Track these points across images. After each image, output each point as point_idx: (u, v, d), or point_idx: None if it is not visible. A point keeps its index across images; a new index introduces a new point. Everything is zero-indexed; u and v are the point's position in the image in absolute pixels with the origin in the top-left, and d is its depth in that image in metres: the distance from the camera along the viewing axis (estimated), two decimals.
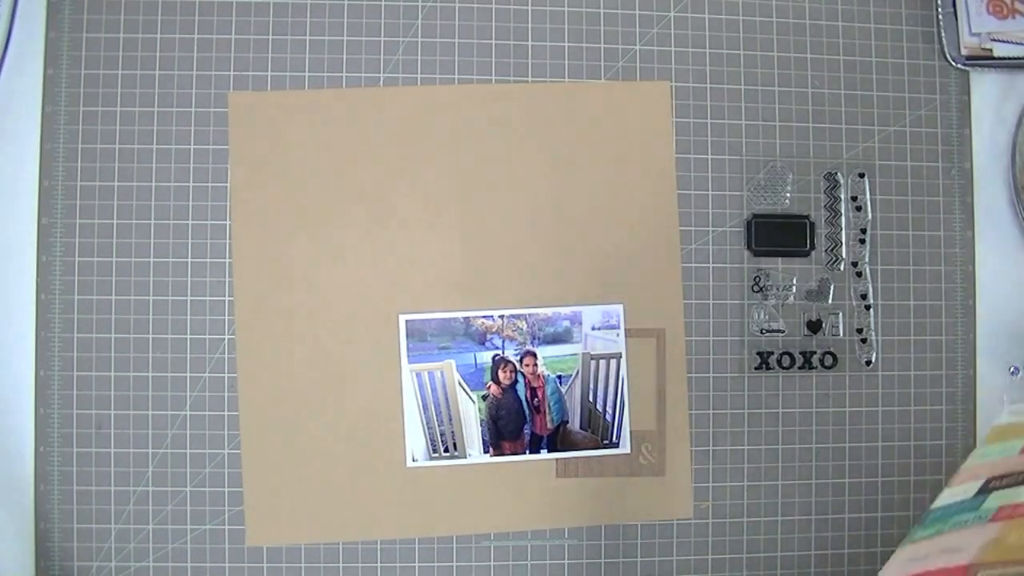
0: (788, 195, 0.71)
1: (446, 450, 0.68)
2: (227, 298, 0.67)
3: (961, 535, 0.47)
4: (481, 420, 0.68)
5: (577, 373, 0.69)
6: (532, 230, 0.69)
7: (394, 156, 0.69)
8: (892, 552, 0.71)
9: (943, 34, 0.72)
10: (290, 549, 0.67)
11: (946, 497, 0.52)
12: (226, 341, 0.68)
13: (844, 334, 0.71)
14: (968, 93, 0.73)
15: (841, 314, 0.71)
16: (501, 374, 0.68)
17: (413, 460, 0.68)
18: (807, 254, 0.71)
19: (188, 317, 0.68)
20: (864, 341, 0.71)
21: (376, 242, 0.68)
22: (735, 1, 0.71)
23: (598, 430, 0.69)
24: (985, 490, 0.50)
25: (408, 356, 0.68)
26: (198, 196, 0.68)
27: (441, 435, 0.68)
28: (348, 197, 0.68)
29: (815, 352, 0.71)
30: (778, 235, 0.70)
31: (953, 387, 0.72)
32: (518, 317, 0.68)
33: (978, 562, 0.44)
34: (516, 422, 0.68)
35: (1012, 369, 0.72)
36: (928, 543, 0.50)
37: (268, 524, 0.67)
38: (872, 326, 0.71)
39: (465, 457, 0.68)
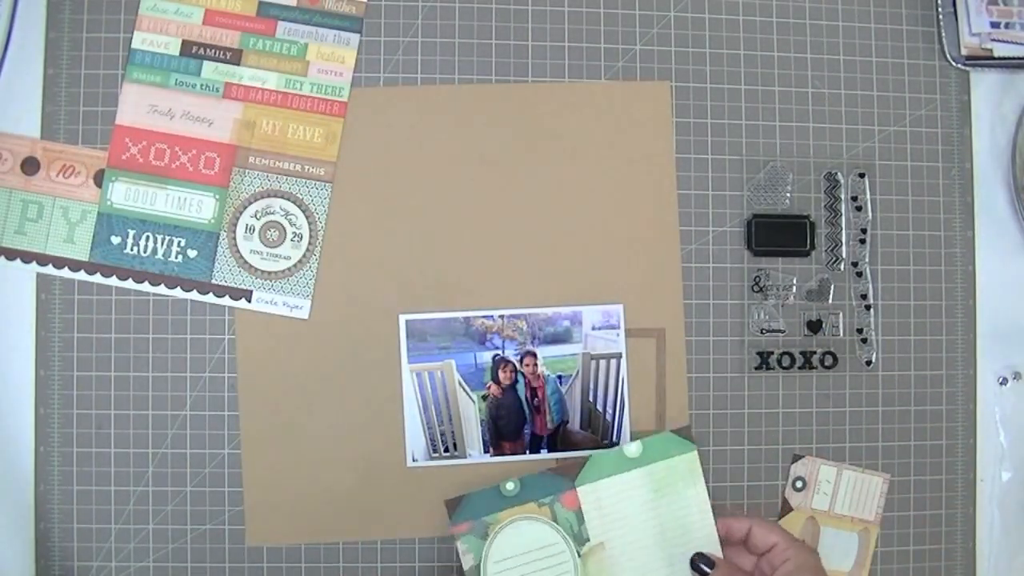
0: (788, 195, 0.71)
1: (446, 450, 0.68)
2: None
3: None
4: (481, 420, 0.68)
5: (577, 373, 0.69)
6: (532, 230, 0.69)
7: (394, 156, 0.69)
8: (892, 551, 0.71)
9: (943, 34, 0.72)
10: (290, 549, 0.67)
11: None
12: (226, 341, 0.68)
13: (844, 334, 0.71)
14: (968, 93, 0.73)
15: (841, 314, 0.71)
16: (501, 374, 0.68)
17: (413, 460, 0.68)
18: (807, 254, 0.71)
19: (188, 317, 0.67)
20: (864, 341, 0.71)
21: (376, 242, 0.68)
22: (735, 1, 0.71)
23: (598, 430, 0.69)
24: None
25: (408, 356, 0.68)
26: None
27: (441, 435, 0.68)
28: (348, 197, 0.68)
29: (815, 352, 0.71)
30: (778, 235, 0.70)
31: (953, 387, 0.72)
32: (518, 317, 0.68)
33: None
34: (516, 422, 0.68)
35: (1000, 379, 0.72)
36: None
37: (268, 524, 0.67)
38: (872, 326, 0.71)
39: (465, 457, 0.68)
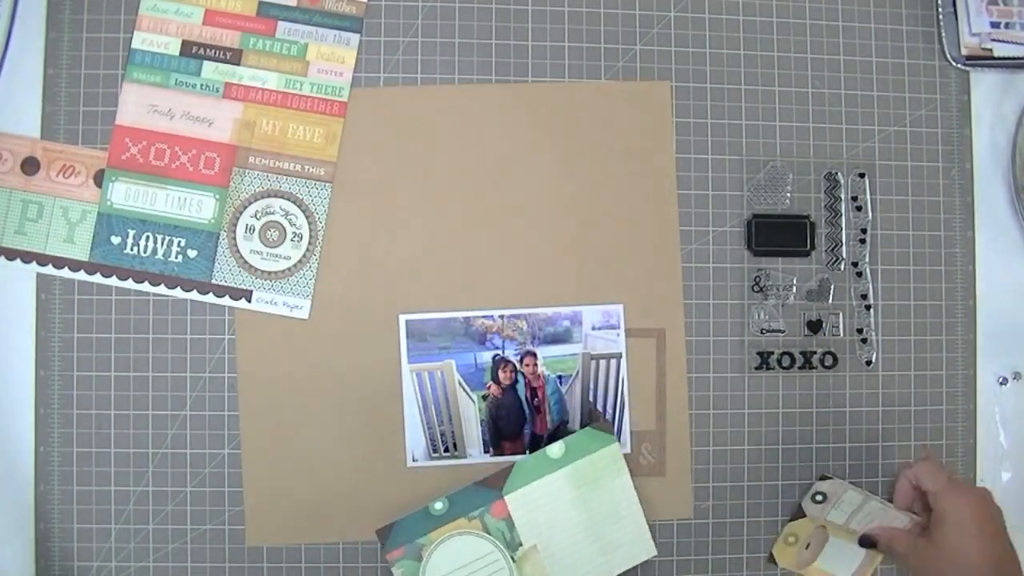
0: (788, 195, 0.71)
1: (446, 450, 0.68)
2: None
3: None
4: (481, 420, 0.68)
5: (577, 373, 0.68)
6: (532, 230, 0.69)
7: (394, 156, 0.69)
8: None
9: (943, 34, 0.72)
10: (290, 549, 0.67)
11: None
12: (226, 341, 0.68)
13: (844, 334, 0.71)
14: (968, 93, 0.73)
15: (841, 314, 0.71)
16: (501, 374, 0.68)
17: (413, 460, 0.68)
18: (807, 254, 0.71)
19: (188, 317, 0.67)
20: (864, 341, 0.71)
21: (376, 242, 0.68)
22: (735, 1, 0.71)
23: None
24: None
25: (408, 356, 0.68)
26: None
27: (441, 435, 0.68)
28: (348, 197, 0.68)
29: (815, 352, 0.71)
30: (778, 235, 0.70)
31: (953, 387, 0.72)
32: (518, 317, 0.68)
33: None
34: (516, 422, 0.68)
35: (1000, 379, 0.72)
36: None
37: (268, 524, 0.67)
38: (872, 326, 0.71)
39: (465, 457, 0.68)
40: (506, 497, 0.64)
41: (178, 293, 0.67)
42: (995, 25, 0.72)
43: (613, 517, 0.65)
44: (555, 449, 0.65)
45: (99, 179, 0.67)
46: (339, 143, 0.68)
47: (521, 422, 0.68)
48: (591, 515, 0.64)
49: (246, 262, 0.68)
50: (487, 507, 0.64)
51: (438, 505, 0.64)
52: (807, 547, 0.69)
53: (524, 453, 0.68)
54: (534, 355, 0.68)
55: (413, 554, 0.63)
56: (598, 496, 0.65)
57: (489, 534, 0.63)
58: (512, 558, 0.63)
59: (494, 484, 0.64)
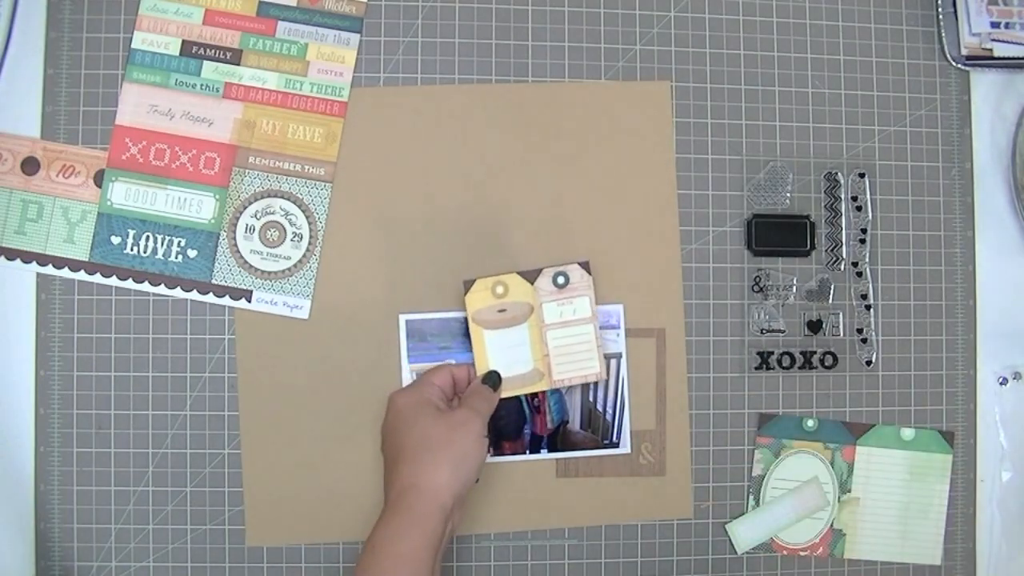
0: (788, 195, 0.71)
1: None
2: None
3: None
4: None
5: None
6: (532, 230, 0.69)
7: (394, 156, 0.69)
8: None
9: (943, 34, 0.72)
10: (290, 549, 0.67)
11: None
12: (226, 341, 0.68)
13: (844, 334, 0.71)
14: (968, 93, 0.73)
15: (841, 314, 0.71)
16: None
17: None
18: (807, 254, 0.71)
19: (188, 317, 0.67)
20: (864, 341, 0.71)
21: (376, 242, 0.68)
22: (735, 1, 0.71)
23: (598, 430, 0.69)
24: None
25: (408, 356, 0.68)
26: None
27: None
28: (348, 197, 0.68)
29: (815, 352, 0.71)
30: (778, 235, 0.70)
31: (953, 387, 0.72)
32: None
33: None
34: (516, 422, 0.68)
35: (1000, 379, 0.72)
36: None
37: (268, 524, 0.67)
38: (872, 326, 0.71)
39: None
40: (859, 446, 0.70)
41: (178, 293, 0.67)
42: (995, 25, 0.72)
43: (922, 514, 0.70)
44: (907, 432, 0.70)
45: (99, 179, 0.67)
46: (339, 143, 0.68)
47: (521, 422, 0.68)
48: (908, 502, 0.70)
49: (246, 262, 0.68)
50: (842, 445, 0.70)
51: (810, 423, 0.70)
52: (502, 311, 0.65)
53: (524, 453, 0.68)
54: None
55: (775, 448, 0.70)
56: (919, 489, 0.70)
57: (833, 468, 0.70)
58: (839, 498, 0.70)
59: (856, 431, 0.70)
